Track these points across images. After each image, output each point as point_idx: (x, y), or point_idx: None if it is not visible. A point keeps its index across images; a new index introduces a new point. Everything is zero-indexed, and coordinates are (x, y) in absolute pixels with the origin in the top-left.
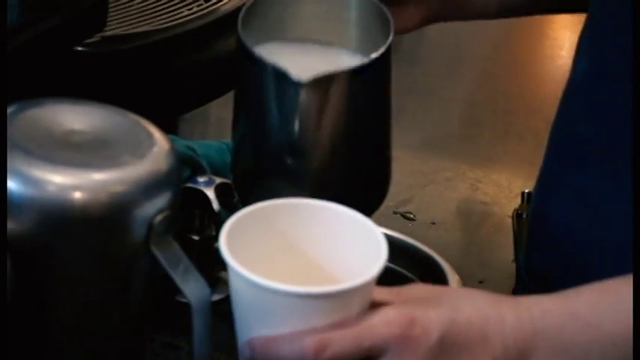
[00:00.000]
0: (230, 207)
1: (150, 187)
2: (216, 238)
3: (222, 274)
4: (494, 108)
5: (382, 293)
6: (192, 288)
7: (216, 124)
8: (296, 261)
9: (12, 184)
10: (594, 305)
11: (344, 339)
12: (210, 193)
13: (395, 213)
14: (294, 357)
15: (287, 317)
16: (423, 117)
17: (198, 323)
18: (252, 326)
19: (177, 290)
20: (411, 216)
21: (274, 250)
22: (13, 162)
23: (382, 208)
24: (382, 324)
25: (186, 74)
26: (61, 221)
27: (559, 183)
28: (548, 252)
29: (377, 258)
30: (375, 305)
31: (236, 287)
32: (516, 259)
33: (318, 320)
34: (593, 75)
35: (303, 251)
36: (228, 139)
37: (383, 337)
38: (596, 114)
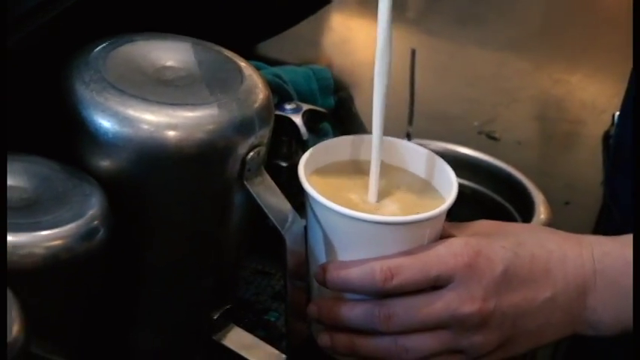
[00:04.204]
0: (317, 133)
1: (242, 125)
2: None
3: None
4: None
5: (449, 228)
6: (287, 224)
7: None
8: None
9: (107, 124)
10: None
11: (412, 268)
12: (298, 120)
13: (480, 133)
14: (363, 282)
15: (360, 244)
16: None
17: (292, 259)
18: (327, 251)
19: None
20: (496, 135)
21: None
22: (108, 101)
23: (466, 128)
24: (449, 254)
25: None
26: (155, 160)
27: None
28: (629, 180)
29: (449, 191)
30: (442, 238)
31: (312, 213)
32: (604, 183)
33: (390, 249)
34: None
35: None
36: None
37: (449, 266)
38: None
